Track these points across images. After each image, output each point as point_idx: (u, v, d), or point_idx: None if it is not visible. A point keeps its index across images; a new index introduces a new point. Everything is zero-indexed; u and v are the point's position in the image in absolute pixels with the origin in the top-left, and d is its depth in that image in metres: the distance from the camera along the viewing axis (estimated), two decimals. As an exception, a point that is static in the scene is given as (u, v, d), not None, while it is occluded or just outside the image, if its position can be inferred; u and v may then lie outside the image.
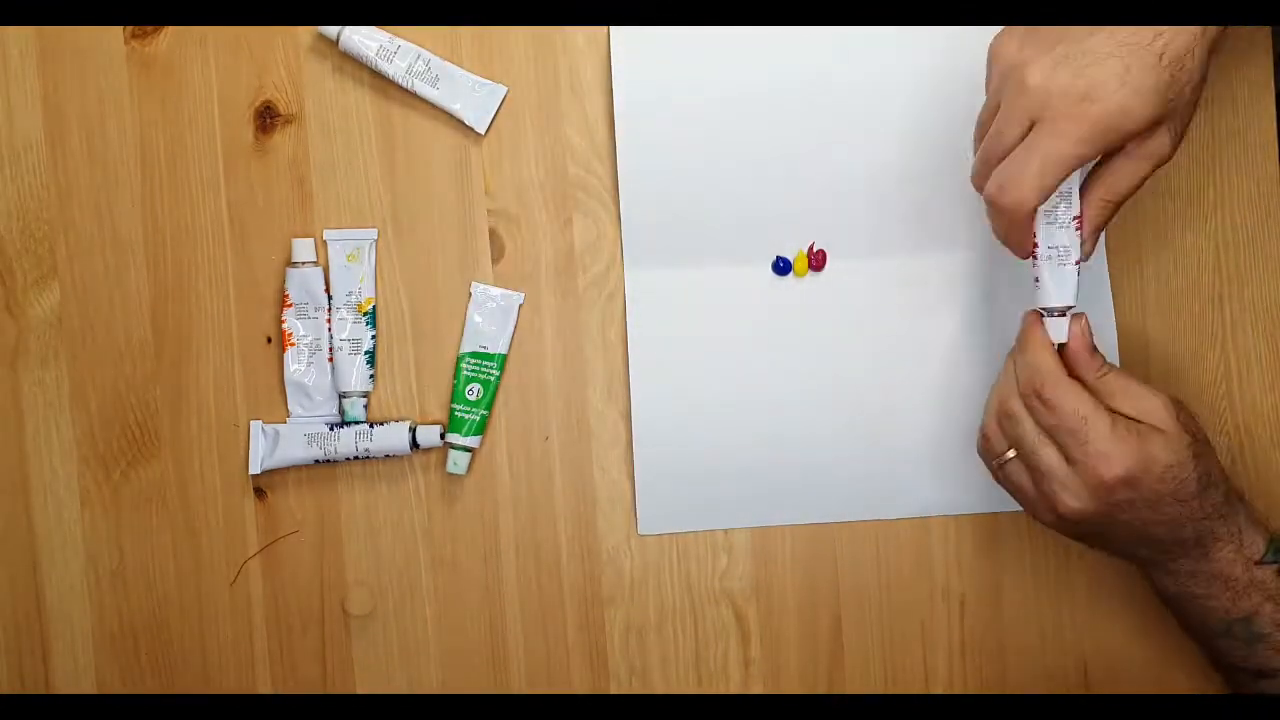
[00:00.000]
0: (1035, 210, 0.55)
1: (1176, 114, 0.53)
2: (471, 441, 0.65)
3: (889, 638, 0.68)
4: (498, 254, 0.67)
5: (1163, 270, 0.68)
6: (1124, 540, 0.59)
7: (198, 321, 0.67)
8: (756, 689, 0.67)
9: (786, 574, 0.68)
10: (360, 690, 0.67)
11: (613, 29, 0.65)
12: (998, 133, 0.55)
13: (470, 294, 0.66)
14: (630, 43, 0.66)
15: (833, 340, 0.67)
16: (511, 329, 0.66)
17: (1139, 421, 0.56)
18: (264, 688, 0.67)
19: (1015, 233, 0.56)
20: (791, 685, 0.68)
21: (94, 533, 0.67)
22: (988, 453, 0.61)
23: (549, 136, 0.67)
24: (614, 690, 0.67)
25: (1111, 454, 0.55)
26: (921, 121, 0.66)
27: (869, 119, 0.66)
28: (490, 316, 0.66)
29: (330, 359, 0.65)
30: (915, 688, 0.68)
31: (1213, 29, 0.53)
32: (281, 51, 0.66)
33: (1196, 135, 0.67)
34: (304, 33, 0.66)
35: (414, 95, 0.66)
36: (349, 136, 0.66)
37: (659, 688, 0.67)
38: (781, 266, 0.67)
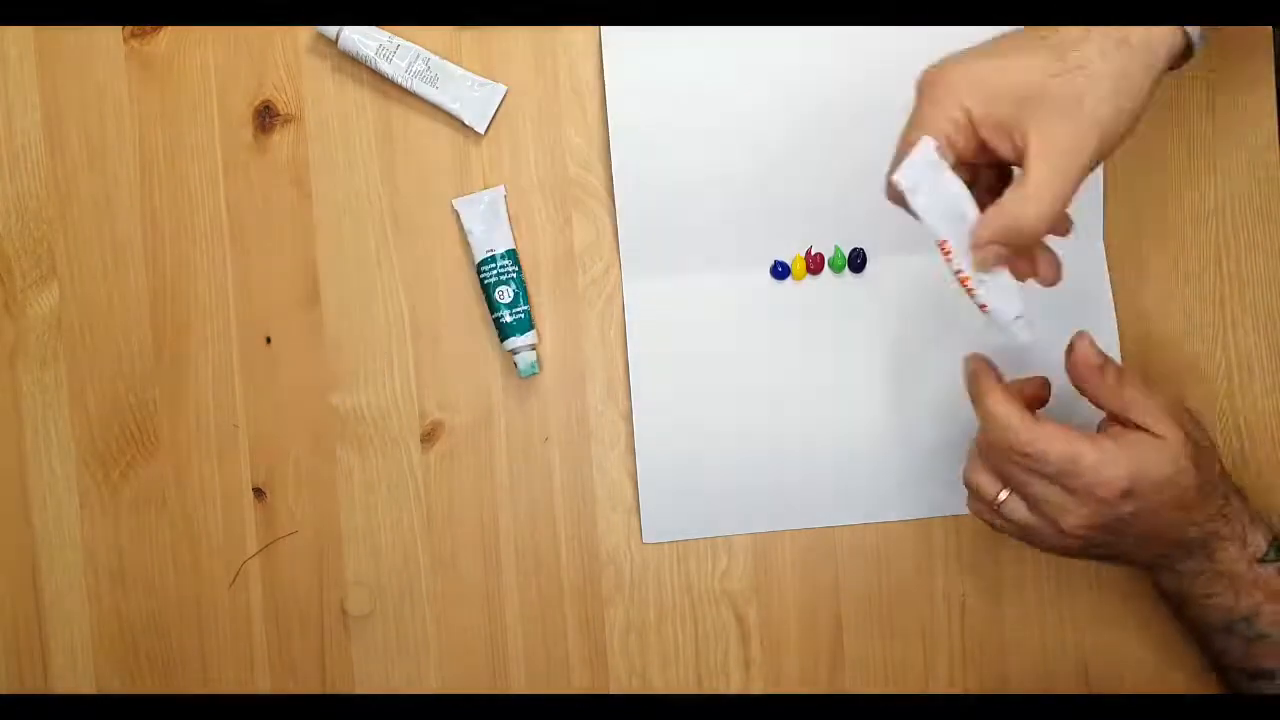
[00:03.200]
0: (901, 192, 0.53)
1: (1070, 101, 0.49)
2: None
3: (889, 638, 0.68)
4: (497, 254, 0.67)
5: (1163, 271, 0.68)
6: (1129, 549, 0.58)
7: (197, 321, 0.66)
8: (756, 689, 0.67)
9: (786, 574, 0.68)
10: (359, 690, 0.67)
11: (604, 31, 0.65)
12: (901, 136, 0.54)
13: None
14: (622, 45, 0.66)
15: (832, 343, 0.67)
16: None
17: (1141, 429, 0.56)
18: (263, 688, 0.67)
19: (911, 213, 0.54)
20: (791, 685, 0.67)
21: (93, 533, 0.67)
22: (980, 499, 0.59)
23: (549, 136, 0.67)
24: (614, 690, 0.67)
25: (1107, 479, 0.54)
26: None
27: (867, 121, 0.65)
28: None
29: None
30: (915, 688, 0.68)
31: (1129, 33, 0.49)
32: (281, 51, 0.66)
33: (1197, 135, 0.67)
34: (304, 33, 0.66)
35: (413, 95, 0.65)
36: (349, 136, 0.66)
37: (659, 688, 0.67)
38: (779, 271, 0.66)
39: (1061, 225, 0.54)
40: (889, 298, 0.67)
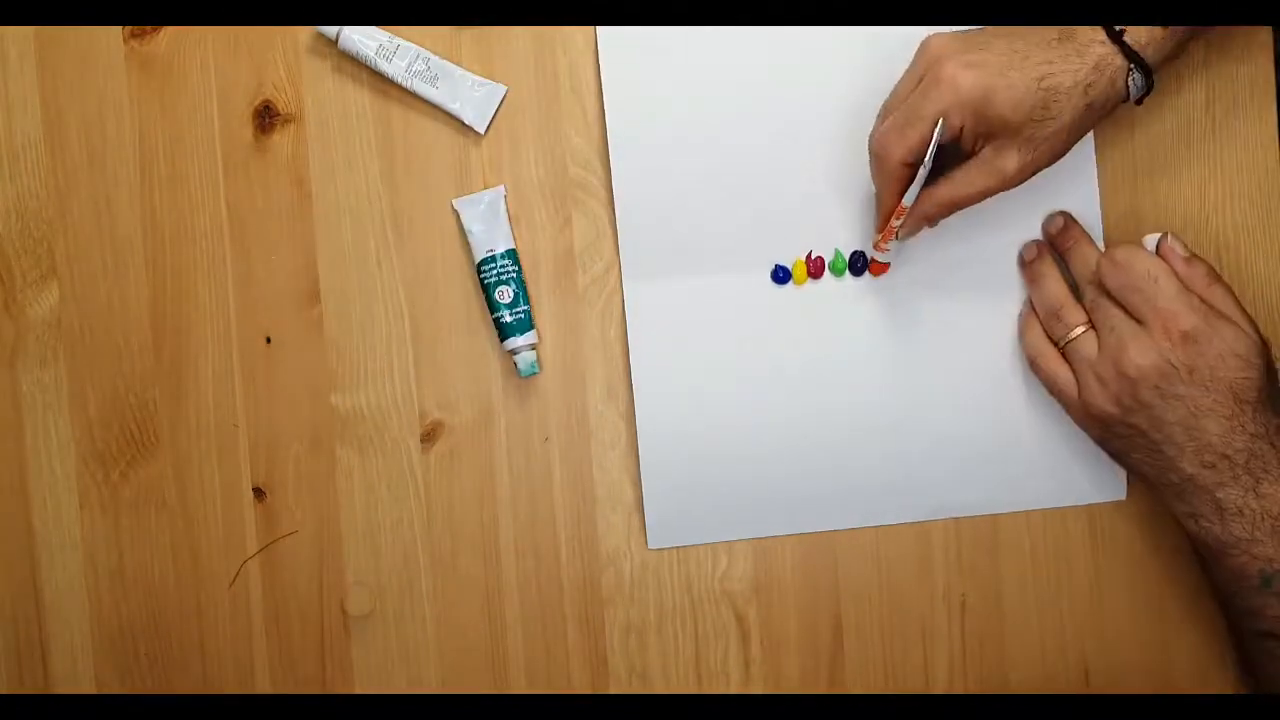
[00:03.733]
0: (899, 163, 0.60)
1: (1032, 141, 0.58)
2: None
3: (889, 638, 0.68)
4: (497, 254, 0.67)
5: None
6: (1175, 429, 0.59)
7: (197, 321, 0.66)
8: (756, 689, 0.67)
9: (786, 574, 0.68)
10: (359, 690, 0.67)
11: (599, 32, 0.65)
12: (894, 91, 0.62)
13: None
14: (619, 46, 0.65)
15: (832, 347, 0.67)
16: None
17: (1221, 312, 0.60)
18: (263, 688, 0.67)
19: (883, 183, 0.62)
20: (791, 685, 0.67)
21: (93, 533, 0.67)
22: (1040, 341, 0.64)
23: (549, 136, 0.67)
24: (614, 690, 0.67)
25: (1179, 311, 0.59)
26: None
27: (867, 123, 0.66)
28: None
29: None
30: (915, 688, 0.68)
31: (1099, 96, 0.58)
32: (281, 51, 0.66)
33: (1197, 135, 0.67)
34: (303, 33, 0.66)
35: (413, 95, 0.65)
36: (349, 136, 0.66)
37: (659, 688, 0.67)
38: (780, 275, 0.66)
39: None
40: (889, 301, 0.67)
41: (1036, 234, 0.67)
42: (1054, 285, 0.64)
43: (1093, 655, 0.68)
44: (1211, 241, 0.67)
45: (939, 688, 0.68)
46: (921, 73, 0.59)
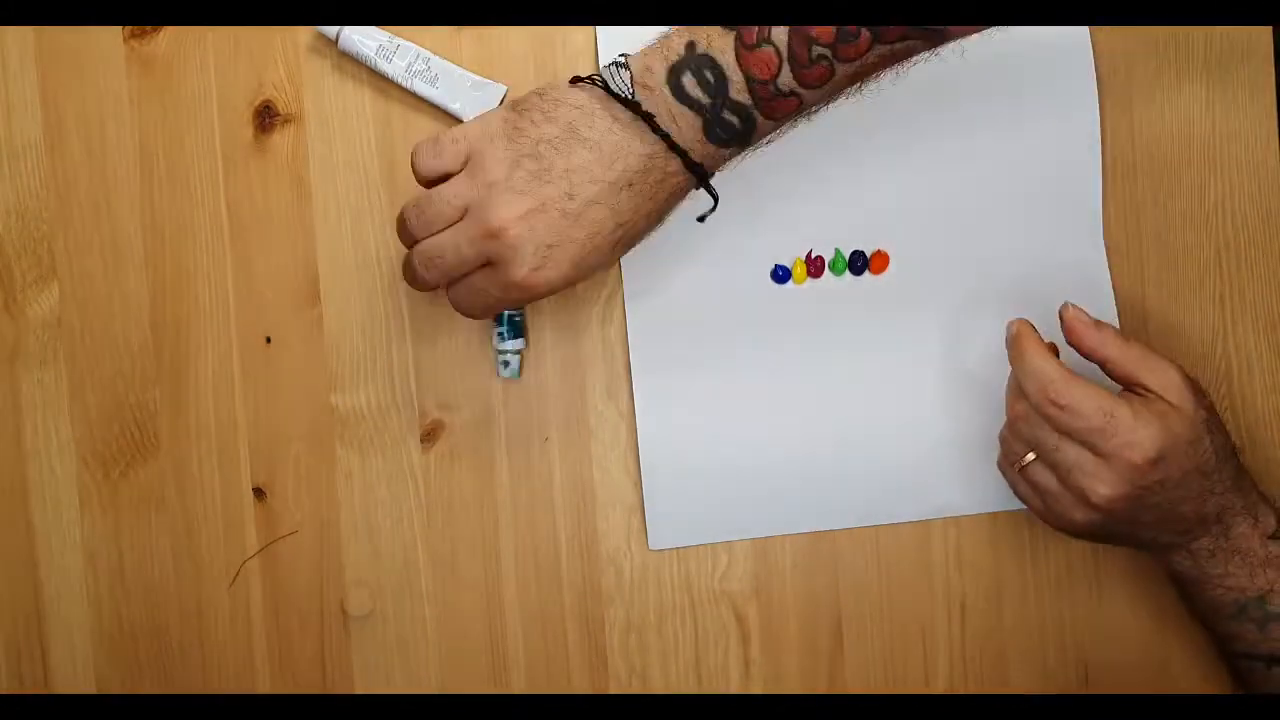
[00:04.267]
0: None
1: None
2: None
3: (889, 638, 0.68)
4: (497, 254, 0.67)
5: (1163, 271, 0.68)
6: (1150, 525, 0.58)
7: (197, 321, 0.66)
8: (756, 689, 0.67)
9: (787, 574, 0.68)
10: (359, 690, 0.67)
11: (599, 32, 0.65)
12: (454, 247, 0.55)
13: None
14: (619, 46, 0.65)
15: (833, 347, 0.67)
16: None
17: (1158, 397, 0.57)
18: (263, 688, 0.67)
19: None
20: (791, 685, 0.67)
21: (93, 533, 0.67)
22: (1005, 459, 0.61)
23: (549, 136, 0.67)
24: (614, 690, 0.67)
25: (1140, 440, 0.55)
26: (921, 124, 0.66)
27: (867, 123, 0.66)
28: None
29: None
30: (915, 688, 0.68)
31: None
32: (281, 51, 0.66)
33: (1197, 135, 0.67)
34: (303, 33, 0.66)
35: (413, 95, 0.65)
36: (348, 136, 0.66)
37: (659, 688, 0.67)
38: (780, 274, 0.66)
39: None
40: (889, 301, 0.67)
41: (1036, 233, 0.67)
42: (1012, 388, 0.60)
43: (1093, 655, 0.68)
44: (1211, 241, 0.67)
45: (939, 688, 0.68)
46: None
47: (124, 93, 0.66)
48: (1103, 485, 0.56)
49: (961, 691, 0.68)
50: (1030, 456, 0.59)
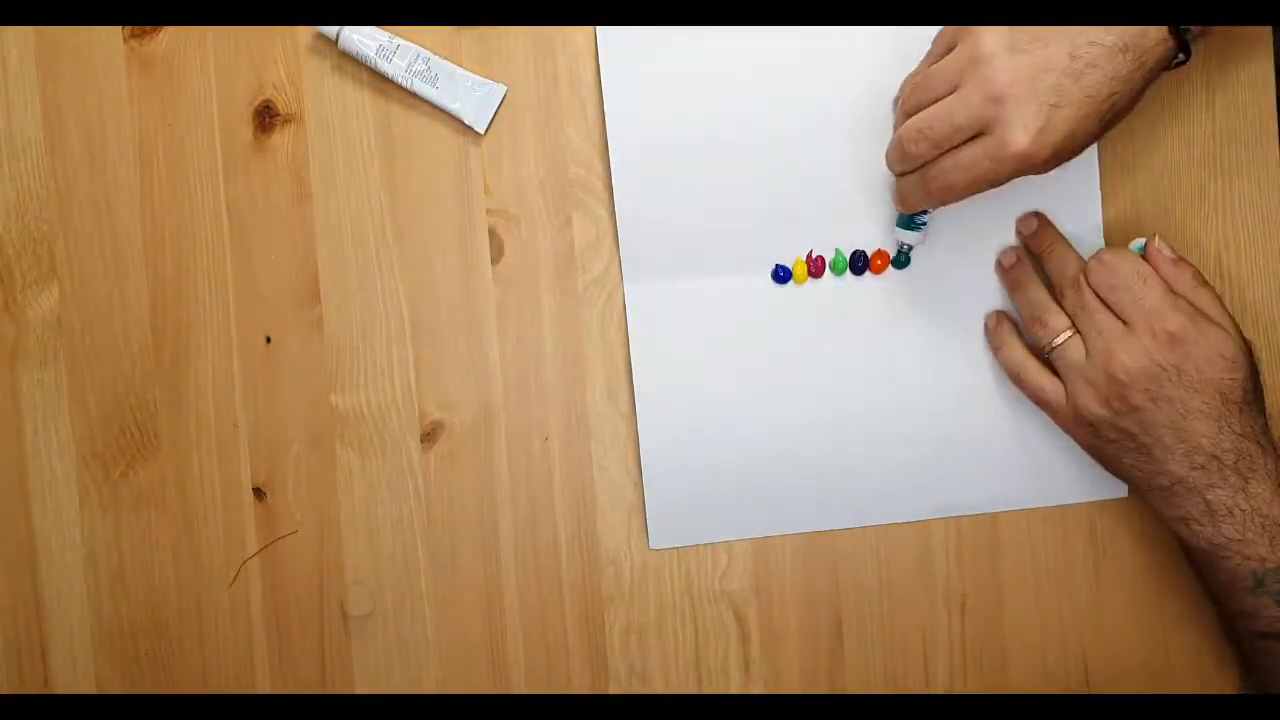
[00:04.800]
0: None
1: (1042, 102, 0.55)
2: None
3: (889, 638, 0.68)
4: (497, 253, 0.67)
5: (1163, 270, 0.68)
6: (1165, 431, 0.59)
7: (197, 321, 0.66)
8: (756, 689, 0.67)
9: (786, 574, 0.68)
10: (359, 690, 0.67)
11: (599, 32, 0.65)
12: (949, 114, 0.57)
13: None
14: (619, 46, 0.65)
15: (833, 347, 0.67)
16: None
17: (1203, 313, 0.60)
18: (263, 688, 0.67)
19: (919, 204, 0.61)
20: (791, 686, 0.67)
21: (93, 533, 0.67)
22: (1040, 337, 0.63)
23: (549, 136, 0.67)
24: (614, 690, 0.67)
25: (1165, 312, 0.58)
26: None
27: (867, 123, 0.66)
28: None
29: None
30: (915, 688, 0.68)
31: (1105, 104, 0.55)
32: (281, 51, 0.66)
33: (1197, 135, 0.67)
34: (303, 33, 0.66)
35: (413, 95, 0.65)
36: (348, 136, 0.66)
37: (659, 688, 0.67)
38: (781, 274, 0.66)
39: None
40: (890, 301, 0.67)
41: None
42: (1036, 290, 0.64)
43: (1093, 655, 0.68)
44: (1211, 241, 0.67)
45: (939, 688, 0.68)
46: (976, 101, 0.56)
47: (124, 93, 0.66)
48: (1126, 352, 0.58)
49: (961, 691, 0.68)
50: (1067, 335, 0.61)
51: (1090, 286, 0.61)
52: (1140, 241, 0.63)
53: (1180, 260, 0.61)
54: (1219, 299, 0.61)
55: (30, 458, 0.66)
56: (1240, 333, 0.60)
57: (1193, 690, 0.67)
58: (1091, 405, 0.60)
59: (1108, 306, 0.60)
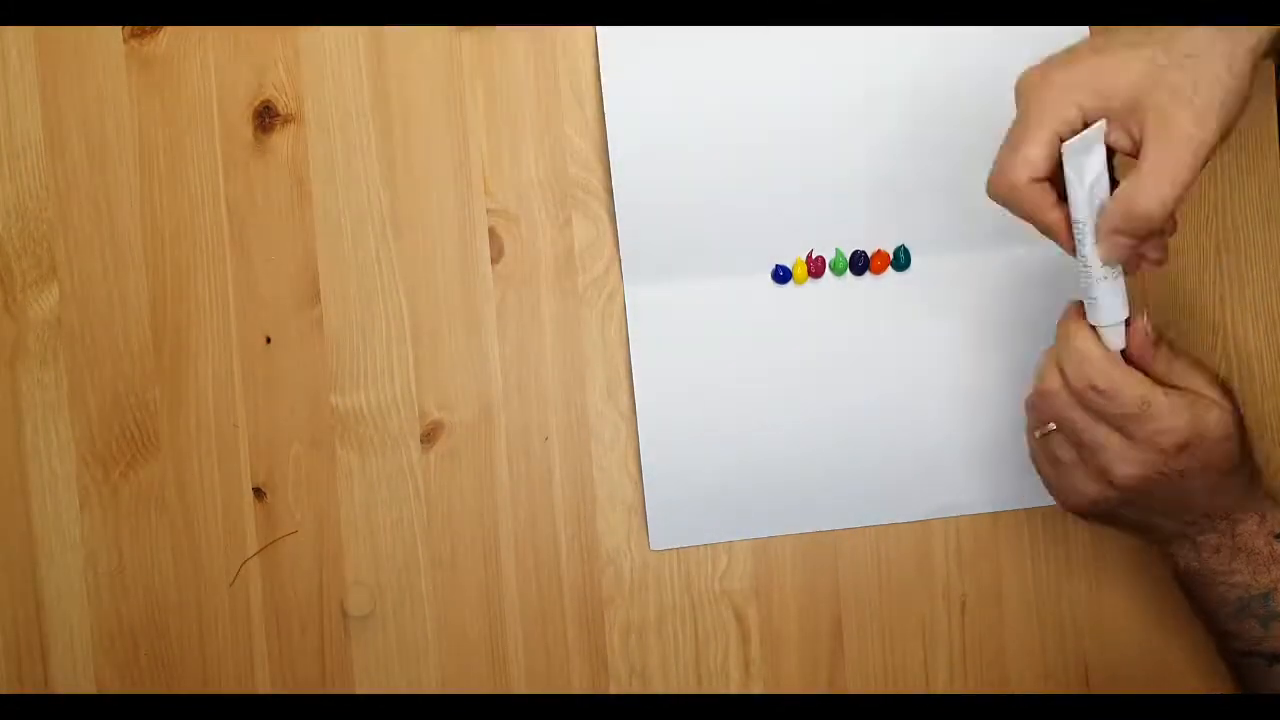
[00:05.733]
0: (1027, 181, 0.53)
1: (1184, 88, 0.50)
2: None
3: (889, 638, 0.68)
4: (497, 253, 0.67)
5: (1163, 270, 0.67)
6: (1159, 510, 0.58)
7: (197, 321, 0.66)
8: (756, 689, 0.67)
9: (787, 574, 0.68)
10: (359, 690, 0.67)
11: (600, 32, 0.65)
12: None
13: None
14: (619, 46, 0.65)
15: (833, 347, 0.67)
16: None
17: (1196, 393, 0.57)
18: (263, 688, 0.67)
19: (1025, 210, 0.55)
20: (791, 685, 0.67)
21: (93, 533, 0.67)
22: (1032, 421, 0.60)
23: (549, 136, 0.67)
24: (614, 690, 0.67)
25: (1172, 426, 0.55)
26: (920, 124, 0.66)
27: (868, 123, 0.66)
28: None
29: None
30: (915, 688, 0.68)
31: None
32: (281, 51, 0.66)
33: (1196, 135, 0.67)
34: (304, 33, 0.66)
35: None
36: (349, 136, 0.66)
37: (659, 688, 0.67)
38: (780, 275, 0.66)
39: (1171, 222, 0.54)
40: (890, 301, 0.67)
41: (1036, 234, 0.66)
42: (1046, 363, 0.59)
43: (1093, 655, 0.68)
44: (1212, 241, 0.67)
45: (939, 688, 0.68)
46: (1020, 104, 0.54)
47: (124, 93, 0.66)
48: (1126, 465, 0.56)
49: (961, 691, 0.68)
50: (1051, 427, 0.58)
51: (1091, 410, 0.56)
52: (1117, 333, 0.57)
53: (1159, 339, 0.58)
54: (1197, 360, 0.58)
55: (30, 458, 0.66)
56: (1221, 385, 0.58)
57: (1193, 690, 0.67)
58: (1083, 494, 0.58)
59: (1104, 421, 0.56)
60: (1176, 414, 0.55)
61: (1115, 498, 0.58)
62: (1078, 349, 0.56)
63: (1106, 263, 0.54)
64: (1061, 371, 0.57)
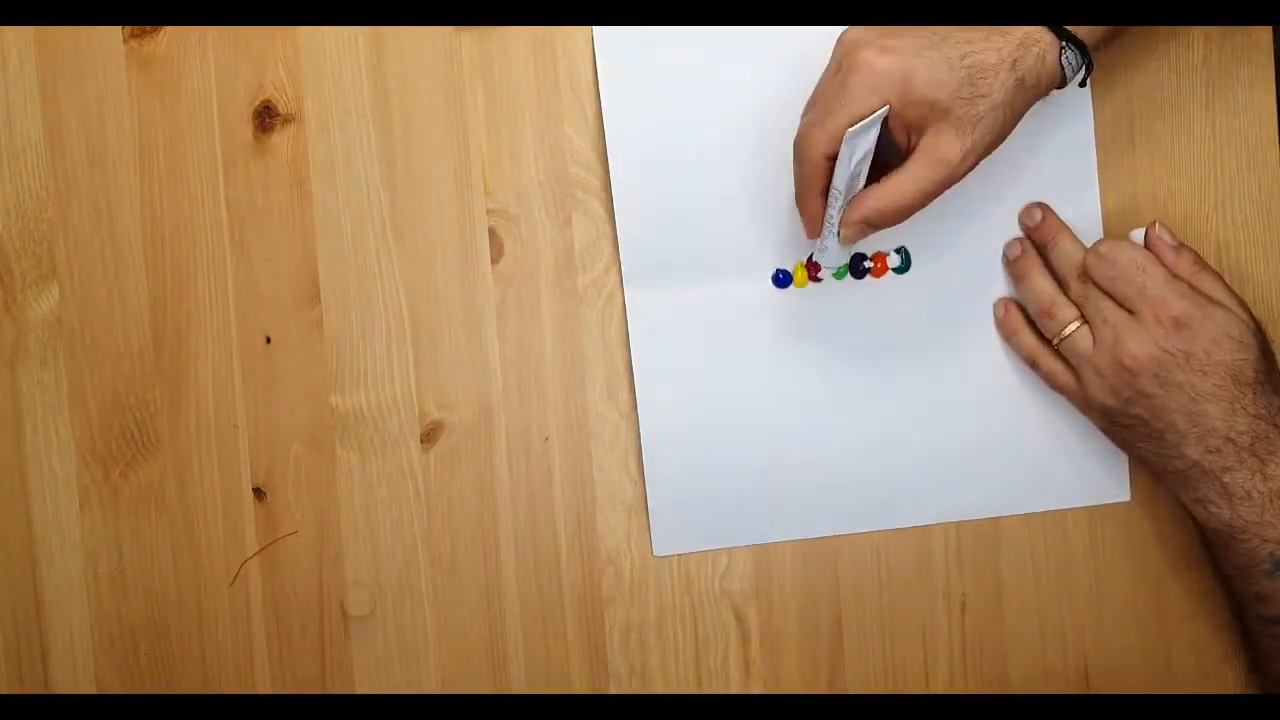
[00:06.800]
0: (822, 156, 0.57)
1: (966, 123, 0.56)
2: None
3: (889, 638, 0.68)
4: (497, 253, 0.67)
5: (1163, 270, 0.68)
6: (1177, 416, 0.59)
7: (197, 321, 0.66)
8: (757, 690, 0.67)
9: (787, 574, 0.68)
10: (359, 690, 0.67)
11: (596, 32, 0.65)
12: (816, 86, 0.59)
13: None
14: (617, 46, 0.65)
15: (834, 351, 0.67)
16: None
17: (1208, 296, 0.60)
18: (263, 688, 0.67)
19: (803, 179, 0.59)
20: (792, 686, 0.67)
21: (93, 533, 0.67)
22: (1048, 328, 0.63)
23: (549, 136, 0.67)
24: (614, 690, 0.67)
25: (1168, 298, 0.59)
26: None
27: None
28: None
29: None
30: (915, 688, 0.68)
31: (1029, 73, 0.56)
32: (281, 51, 0.66)
33: (1197, 134, 0.67)
34: (304, 33, 0.66)
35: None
36: (349, 136, 0.66)
37: (659, 688, 0.67)
38: (781, 278, 0.66)
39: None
40: (890, 304, 0.67)
41: (1036, 234, 0.67)
42: (1042, 282, 0.64)
43: (1093, 655, 0.68)
44: (1211, 241, 0.67)
45: (939, 688, 0.68)
46: (839, 64, 0.58)
47: (124, 93, 0.66)
48: (1132, 341, 0.59)
49: (961, 691, 0.68)
50: (1074, 326, 0.62)
51: (1093, 277, 0.61)
52: (1140, 231, 0.63)
53: (1181, 246, 0.62)
54: (1223, 281, 0.61)
55: (30, 458, 0.66)
56: (1249, 312, 0.60)
57: (1193, 690, 0.67)
58: (1102, 394, 0.61)
59: (1111, 296, 0.61)
60: (1176, 289, 0.59)
61: (1131, 388, 0.59)
62: (1065, 251, 0.64)
63: (844, 242, 0.60)
64: (1060, 273, 0.63)
